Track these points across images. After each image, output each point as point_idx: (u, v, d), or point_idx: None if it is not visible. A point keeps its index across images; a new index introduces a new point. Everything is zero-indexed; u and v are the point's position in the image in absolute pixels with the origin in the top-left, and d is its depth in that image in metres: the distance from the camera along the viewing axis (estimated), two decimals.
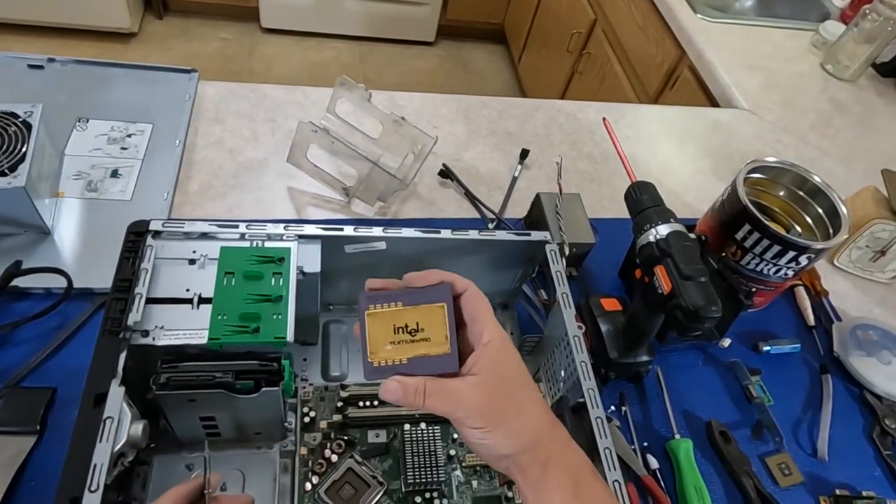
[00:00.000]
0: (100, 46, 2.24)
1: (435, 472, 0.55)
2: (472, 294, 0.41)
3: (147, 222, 0.52)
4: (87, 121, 0.79)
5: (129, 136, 0.78)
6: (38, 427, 0.53)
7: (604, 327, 0.68)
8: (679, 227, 0.59)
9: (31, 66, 0.84)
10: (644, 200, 0.62)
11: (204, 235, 0.53)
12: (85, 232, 0.69)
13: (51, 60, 0.84)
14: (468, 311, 0.41)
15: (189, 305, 0.48)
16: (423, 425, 0.59)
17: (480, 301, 0.41)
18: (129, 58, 2.22)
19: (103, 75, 0.86)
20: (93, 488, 0.38)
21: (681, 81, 1.37)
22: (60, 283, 0.62)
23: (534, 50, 2.31)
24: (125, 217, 0.69)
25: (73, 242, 0.68)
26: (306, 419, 0.57)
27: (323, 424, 0.58)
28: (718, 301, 0.54)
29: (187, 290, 0.49)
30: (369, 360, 0.40)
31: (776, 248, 0.69)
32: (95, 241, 0.68)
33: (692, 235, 0.59)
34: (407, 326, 0.41)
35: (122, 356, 0.44)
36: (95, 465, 0.39)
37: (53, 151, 0.73)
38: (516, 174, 0.88)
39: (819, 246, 0.69)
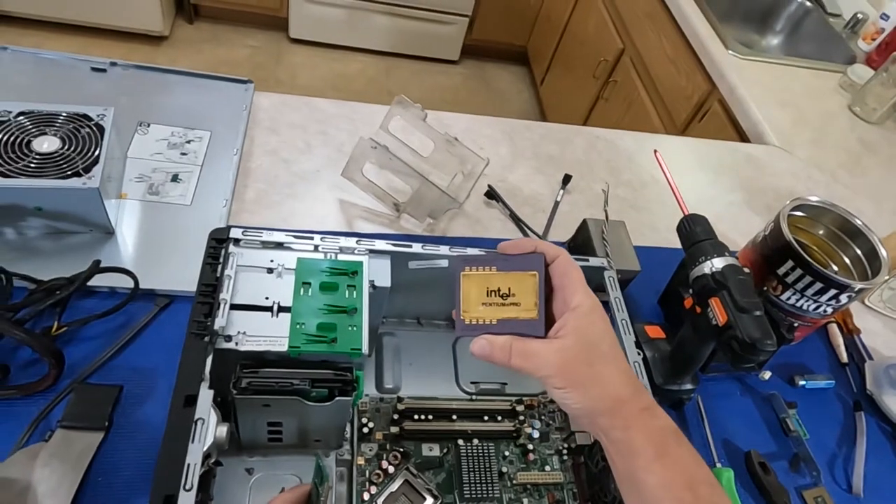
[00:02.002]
0: (130, 48, 2.28)
1: (490, 488, 0.57)
2: (564, 261, 0.44)
3: (228, 230, 0.53)
4: (149, 125, 0.81)
5: (188, 142, 0.80)
6: (107, 424, 0.54)
7: (648, 354, 0.70)
8: (733, 260, 0.61)
9: (94, 69, 0.86)
10: (698, 233, 0.64)
11: (280, 245, 0.54)
12: (146, 234, 0.70)
13: (113, 64, 0.87)
14: (558, 278, 0.43)
15: (269, 313, 0.50)
16: (475, 441, 0.60)
17: (571, 268, 0.43)
18: (159, 61, 2.25)
19: (162, 81, 0.88)
20: (187, 487, 0.39)
21: (710, 114, 1.40)
22: (125, 282, 0.63)
23: (557, 73, 2.35)
24: (186, 221, 0.72)
25: (135, 243, 0.69)
26: (365, 430, 0.58)
27: (379, 435, 0.59)
28: (773, 334, 0.56)
29: (266, 298, 0.51)
30: (461, 317, 0.43)
31: (818, 286, 0.71)
32: (157, 244, 0.70)
33: (746, 269, 0.61)
34: (499, 290, 0.43)
35: (209, 360, 0.45)
36: (189, 465, 0.40)
37: (119, 153, 0.75)
38: (559, 198, 0.90)
39: (860, 285, 0.71)
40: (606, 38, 1.92)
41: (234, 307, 0.49)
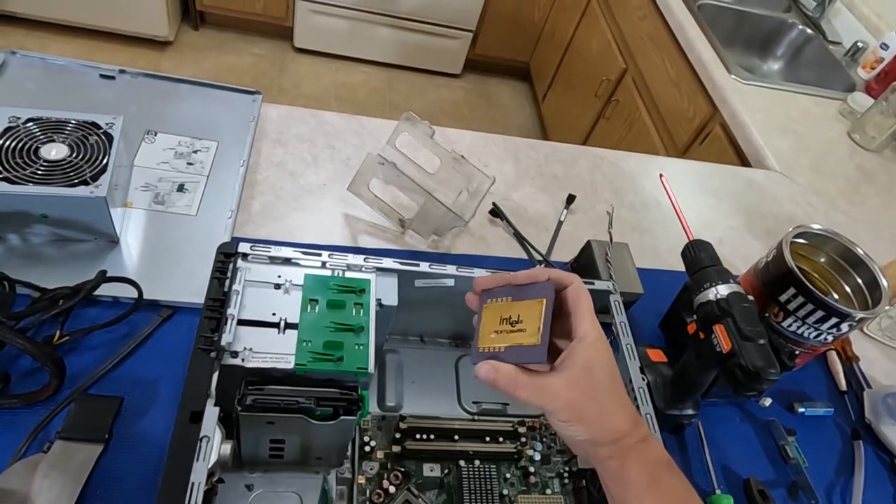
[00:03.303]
0: (135, 52, 2.28)
1: None
2: (576, 288, 0.45)
3: (236, 244, 0.53)
4: (156, 134, 0.81)
5: (195, 151, 0.80)
6: (107, 436, 0.54)
7: (650, 378, 0.70)
8: (738, 287, 0.61)
9: (102, 76, 0.86)
10: (703, 259, 0.64)
11: (287, 261, 0.54)
12: (151, 243, 0.70)
13: (122, 72, 0.87)
14: (569, 304, 0.44)
15: (276, 330, 0.50)
16: (477, 462, 0.60)
17: (582, 296, 0.44)
18: (163, 66, 2.26)
19: (170, 90, 0.88)
20: None
21: (711, 137, 1.41)
22: (128, 291, 0.63)
23: (559, 91, 2.37)
24: (191, 231, 0.72)
25: (140, 253, 0.69)
26: (366, 448, 0.58)
27: (380, 454, 0.58)
28: (776, 363, 0.56)
29: (273, 315, 0.50)
30: (477, 345, 0.45)
31: (819, 314, 0.71)
32: (161, 254, 0.69)
33: (750, 297, 0.61)
34: (510, 318, 0.45)
35: (215, 376, 0.45)
36: (193, 484, 0.40)
37: (126, 162, 0.75)
38: (562, 218, 0.90)
39: (861, 315, 0.71)
40: (609, 58, 1.94)
41: (240, 322, 0.49)
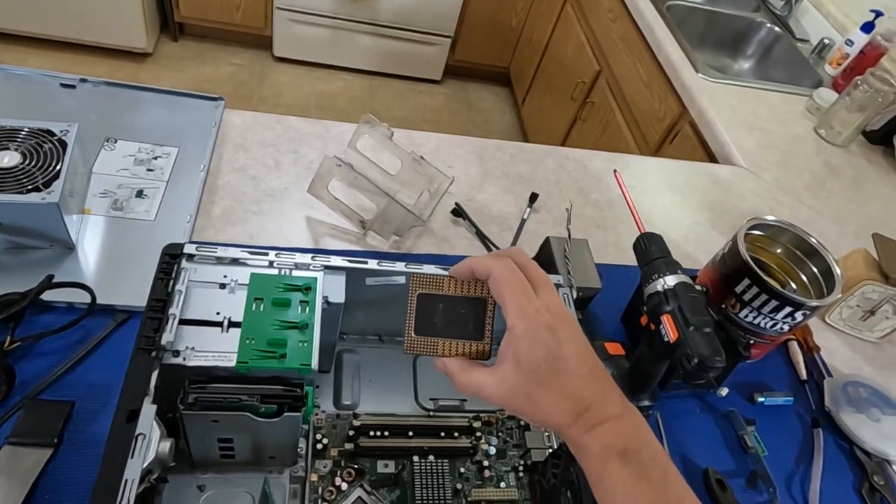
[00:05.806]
0: (114, 64, 2.28)
1: None
2: (493, 280, 0.42)
3: (181, 245, 0.54)
4: (116, 141, 0.81)
5: (155, 158, 0.81)
6: (56, 440, 0.54)
7: (608, 370, 0.70)
8: (686, 278, 0.62)
9: (63, 85, 0.86)
10: (653, 251, 0.65)
11: (234, 261, 0.55)
12: (108, 249, 0.70)
13: (83, 80, 0.87)
14: (495, 297, 0.43)
15: (219, 329, 0.50)
16: (431, 458, 0.60)
17: (503, 287, 0.42)
18: (143, 77, 2.27)
19: (133, 98, 0.88)
20: (123, 503, 0.39)
21: (681, 136, 1.43)
22: (83, 297, 0.63)
23: (538, 95, 2.39)
24: (149, 237, 0.73)
25: (97, 259, 0.69)
26: (319, 446, 0.58)
27: (334, 452, 0.59)
28: (722, 352, 0.57)
29: (217, 314, 0.51)
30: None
31: (774, 303, 0.72)
32: (118, 259, 0.70)
33: (698, 287, 0.62)
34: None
35: (155, 375, 0.45)
36: (126, 481, 0.40)
37: (83, 169, 0.75)
38: (525, 216, 0.91)
39: (814, 303, 0.72)
40: (584, 61, 1.95)
41: (184, 322, 0.49)
